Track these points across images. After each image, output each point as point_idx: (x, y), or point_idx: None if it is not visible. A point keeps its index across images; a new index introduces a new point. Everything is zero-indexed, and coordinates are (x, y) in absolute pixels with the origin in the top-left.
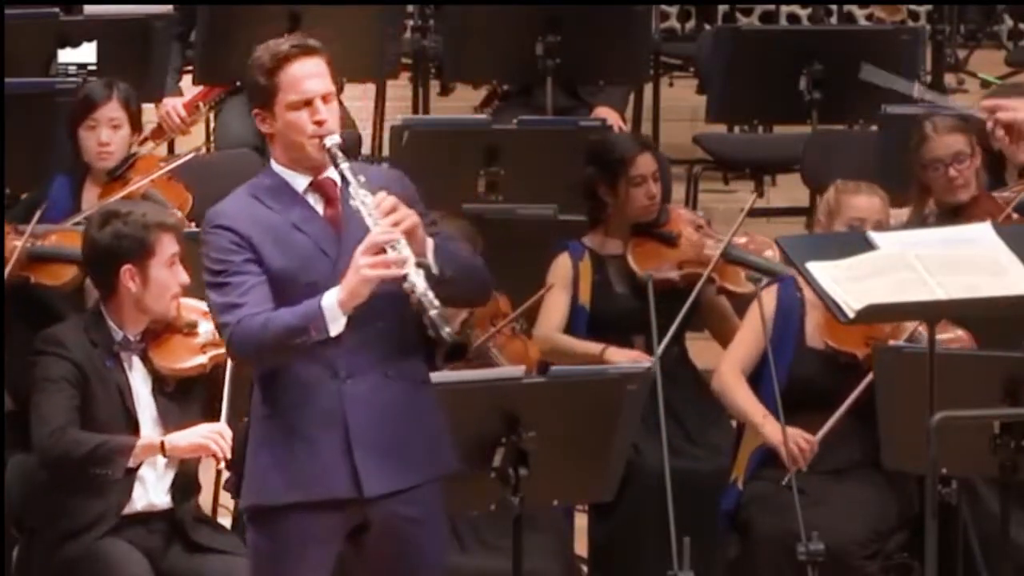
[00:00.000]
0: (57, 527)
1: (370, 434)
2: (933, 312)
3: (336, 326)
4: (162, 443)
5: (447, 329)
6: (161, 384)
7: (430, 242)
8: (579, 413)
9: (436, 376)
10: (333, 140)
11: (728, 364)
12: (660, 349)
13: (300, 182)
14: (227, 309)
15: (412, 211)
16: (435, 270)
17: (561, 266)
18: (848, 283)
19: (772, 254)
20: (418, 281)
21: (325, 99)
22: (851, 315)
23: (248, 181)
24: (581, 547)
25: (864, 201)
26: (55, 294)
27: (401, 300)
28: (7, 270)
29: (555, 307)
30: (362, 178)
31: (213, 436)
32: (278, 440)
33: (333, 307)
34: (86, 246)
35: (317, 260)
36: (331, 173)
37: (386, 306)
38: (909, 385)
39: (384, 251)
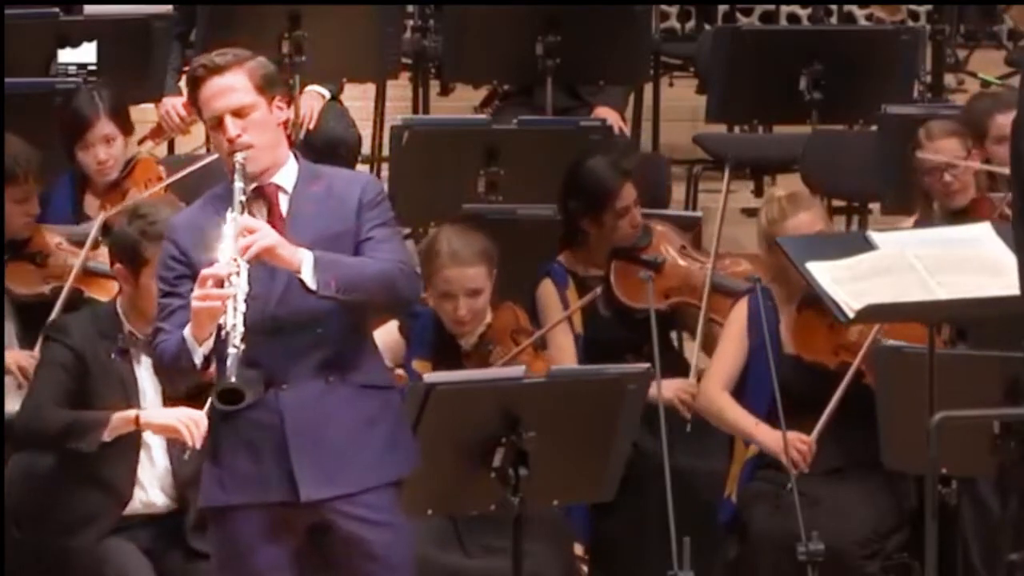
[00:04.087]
0: (53, 522)
1: (309, 440)
2: (933, 312)
3: (199, 355)
4: (136, 417)
5: (231, 376)
6: None
7: (308, 257)
8: (579, 413)
9: (436, 376)
10: (240, 156)
11: (711, 382)
12: (657, 352)
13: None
14: (154, 332)
15: (265, 233)
16: (312, 285)
17: (551, 295)
18: (848, 283)
19: (746, 267)
20: (230, 318)
21: (239, 113)
22: (851, 315)
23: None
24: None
25: (806, 218)
26: None
27: (343, 307)
28: (68, 285)
29: (566, 344)
30: (242, 198)
31: (187, 422)
32: (224, 443)
33: (189, 338)
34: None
35: (254, 267)
36: (276, 179)
37: (326, 313)
38: (909, 385)
39: (222, 282)
